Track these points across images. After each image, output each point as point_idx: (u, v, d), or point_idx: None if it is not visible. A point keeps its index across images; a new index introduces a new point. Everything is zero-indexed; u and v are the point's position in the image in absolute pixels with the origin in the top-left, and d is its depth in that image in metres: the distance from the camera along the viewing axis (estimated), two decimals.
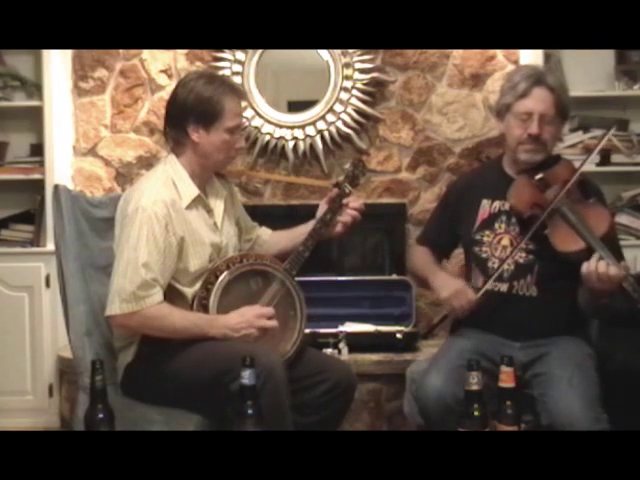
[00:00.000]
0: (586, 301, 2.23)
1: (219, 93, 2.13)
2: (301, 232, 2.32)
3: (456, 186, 2.54)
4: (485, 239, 2.32)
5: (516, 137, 2.28)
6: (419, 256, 2.50)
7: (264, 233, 2.46)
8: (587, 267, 2.07)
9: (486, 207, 2.34)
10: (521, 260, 2.26)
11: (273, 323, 2.12)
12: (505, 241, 2.29)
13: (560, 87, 2.28)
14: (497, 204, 2.33)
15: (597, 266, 2.05)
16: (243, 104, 2.25)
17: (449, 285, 2.28)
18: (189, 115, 2.13)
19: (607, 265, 2.05)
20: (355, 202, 2.33)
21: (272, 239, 2.44)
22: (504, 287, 2.27)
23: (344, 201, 2.32)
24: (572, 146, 3.44)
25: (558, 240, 2.19)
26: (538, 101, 2.24)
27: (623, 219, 3.40)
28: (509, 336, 2.26)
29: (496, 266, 2.27)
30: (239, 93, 2.21)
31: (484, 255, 2.31)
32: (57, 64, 3.51)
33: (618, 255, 2.19)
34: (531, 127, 2.24)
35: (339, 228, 2.31)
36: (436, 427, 2.07)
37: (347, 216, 2.31)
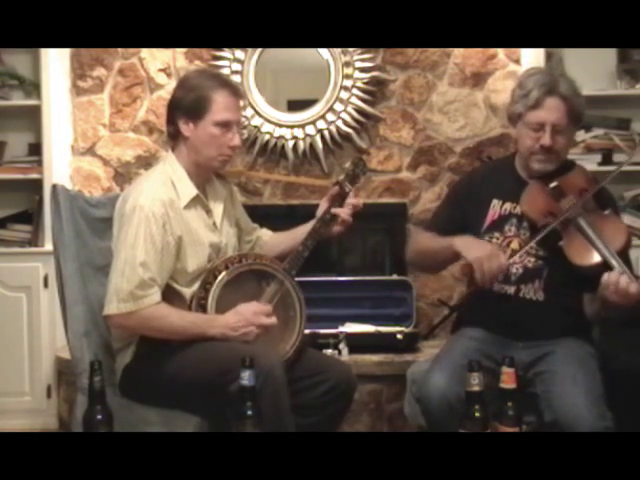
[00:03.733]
0: (594, 312, 2.21)
1: (208, 86, 2.12)
2: (302, 232, 2.30)
3: (466, 182, 2.49)
4: (494, 241, 2.28)
5: (528, 147, 2.24)
6: (427, 236, 2.38)
7: (264, 235, 2.45)
8: (608, 278, 2.03)
9: (496, 208, 2.31)
10: (530, 264, 2.24)
11: (272, 320, 2.10)
12: (514, 244, 2.26)
13: (573, 94, 2.23)
14: (508, 206, 2.30)
15: (619, 280, 2.02)
16: (241, 102, 2.22)
17: (480, 245, 2.18)
18: (179, 109, 2.13)
19: (628, 281, 2.02)
20: (353, 199, 2.31)
21: (273, 241, 2.43)
22: (511, 290, 2.25)
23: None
24: (574, 145, 3.42)
25: (574, 253, 2.15)
26: (551, 112, 2.19)
27: (625, 219, 3.37)
28: (512, 336, 2.24)
29: (514, 256, 2.23)
30: (232, 88, 2.18)
31: None
32: (55, 63, 3.50)
33: (631, 270, 2.14)
34: (543, 138, 2.19)
35: (338, 227, 2.30)
36: (439, 427, 2.06)
37: (345, 214, 2.29)
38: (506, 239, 2.28)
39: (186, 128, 2.13)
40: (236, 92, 2.19)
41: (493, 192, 2.32)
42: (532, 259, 2.24)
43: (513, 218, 2.28)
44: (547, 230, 2.18)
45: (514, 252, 2.23)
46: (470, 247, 2.17)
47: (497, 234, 2.29)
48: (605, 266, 2.08)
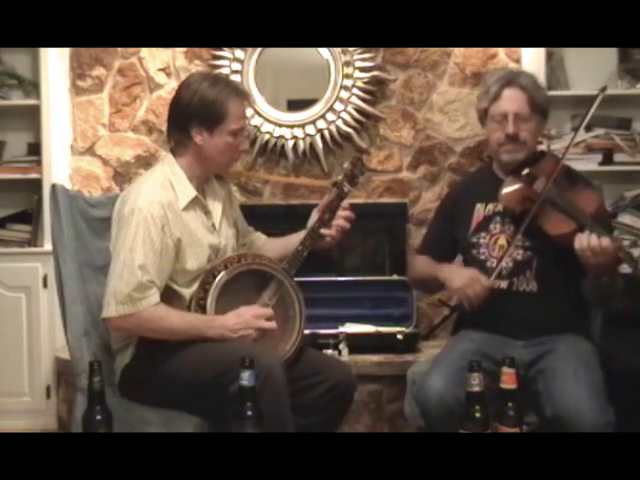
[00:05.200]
0: (589, 288, 2.22)
1: (223, 96, 2.11)
2: (295, 240, 2.28)
3: (451, 193, 2.59)
4: (482, 241, 2.33)
5: (495, 140, 2.32)
6: (420, 263, 2.49)
7: (258, 239, 2.44)
8: (579, 242, 2.08)
9: (480, 211, 2.37)
10: (519, 257, 2.27)
11: (271, 324, 2.10)
12: (501, 241, 2.31)
13: (533, 85, 2.32)
14: (491, 207, 2.35)
15: (589, 240, 2.06)
16: (247, 107, 2.23)
17: (460, 274, 2.27)
18: (192, 117, 2.11)
19: (598, 237, 2.06)
20: (345, 212, 2.27)
21: (266, 246, 2.42)
22: (504, 284, 2.27)
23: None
24: (574, 145, 3.41)
25: (550, 226, 2.20)
26: (510, 101, 2.28)
27: (626, 219, 3.38)
28: (512, 334, 2.26)
29: (495, 265, 2.27)
30: (243, 95, 2.20)
31: (482, 257, 2.32)
32: (55, 62, 3.50)
33: (610, 232, 2.20)
34: (507, 127, 2.27)
35: (330, 240, 2.26)
36: (437, 429, 2.06)
37: (336, 228, 2.25)
38: (493, 237, 2.33)
39: (200, 137, 2.12)
40: (247, 99, 2.22)
41: (475, 197, 2.39)
42: (520, 251, 2.27)
43: (497, 216, 2.34)
44: (529, 216, 2.22)
45: (502, 248, 2.28)
46: (451, 277, 2.27)
47: (483, 234, 2.34)
48: (581, 231, 2.12)
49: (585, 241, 2.06)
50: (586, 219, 2.14)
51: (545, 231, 2.20)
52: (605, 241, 2.05)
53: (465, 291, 2.20)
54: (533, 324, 2.25)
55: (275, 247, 2.38)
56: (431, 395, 2.08)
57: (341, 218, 2.27)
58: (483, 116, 2.38)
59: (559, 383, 2.08)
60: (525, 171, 2.30)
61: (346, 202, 2.30)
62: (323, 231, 2.26)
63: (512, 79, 2.31)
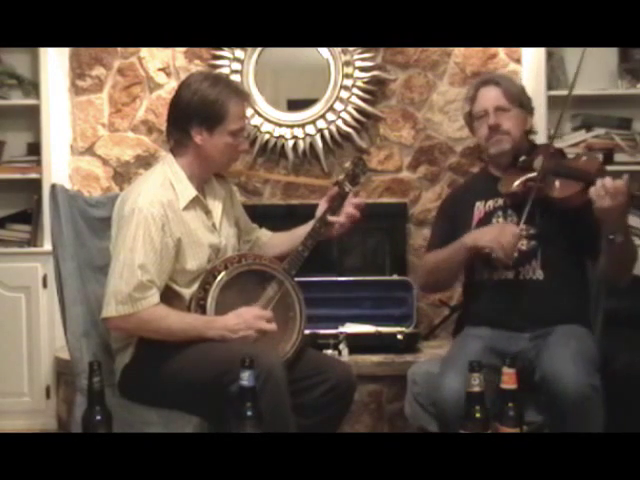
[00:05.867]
0: (604, 256, 2.22)
1: (224, 96, 2.11)
2: (301, 234, 2.29)
3: (450, 196, 2.65)
4: None
5: (482, 137, 2.41)
6: (434, 254, 2.43)
7: (263, 235, 2.44)
8: (594, 190, 2.10)
9: (481, 208, 2.40)
10: (524, 247, 2.30)
11: (271, 326, 2.10)
12: None
13: (507, 81, 2.46)
14: (491, 203, 2.39)
15: (604, 182, 2.09)
16: (247, 108, 2.23)
17: (489, 228, 2.31)
18: (192, 117, 2.11)
19: (611, 179, 2.09)
20: (355, 199, 2.30)
21: (272, 241, 2.42)
22: (510, 274, 2.30)
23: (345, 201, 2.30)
24: (575, 145, 3.42)
25: (556, 191, 2.24)
26: (486, 98, 2.40)
27: (628, 220, 3.37)
28: (518, 327, 2.26)
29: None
30: (243, 96, 2.20)
31: (486, 250, 2.29)
32: (54, 62, 3.50)
33: None
34: (489, 120, 2.36)
35: (339, 227, 2.29)
36: (452, 429, 2.02)
37: (346, 215, 2.28)
38: None
39: (200, 137, 2.12)
40: (247, 99, 2.23)
41: (475, 197, 2.43)
42: (524, 241, 2.30)
43: (499, 211, 2.37)
44: (534, 192, 2.24)
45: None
46: (480, 235, 2.29)
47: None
48: (587, 189, 2.15)
49: (600, 185, 2.09)
50: (591, 176, 2.16)
51: (552, 198, 2.23)
52: (618, 181, 2.08)
53: (498, 240, 2.21)
54: (539, 313, 2.26)
55: (282, 241, 2.38)
56: (448, 395, 2.05)
57: (351, 205, 2.28)
58: (469, 121, 2.46)
59: (550, 350, 2.12)
60: (522, 158, 2.36)
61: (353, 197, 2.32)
62: (331, 218, 2.26)
63: (486, 80, 2.45)
